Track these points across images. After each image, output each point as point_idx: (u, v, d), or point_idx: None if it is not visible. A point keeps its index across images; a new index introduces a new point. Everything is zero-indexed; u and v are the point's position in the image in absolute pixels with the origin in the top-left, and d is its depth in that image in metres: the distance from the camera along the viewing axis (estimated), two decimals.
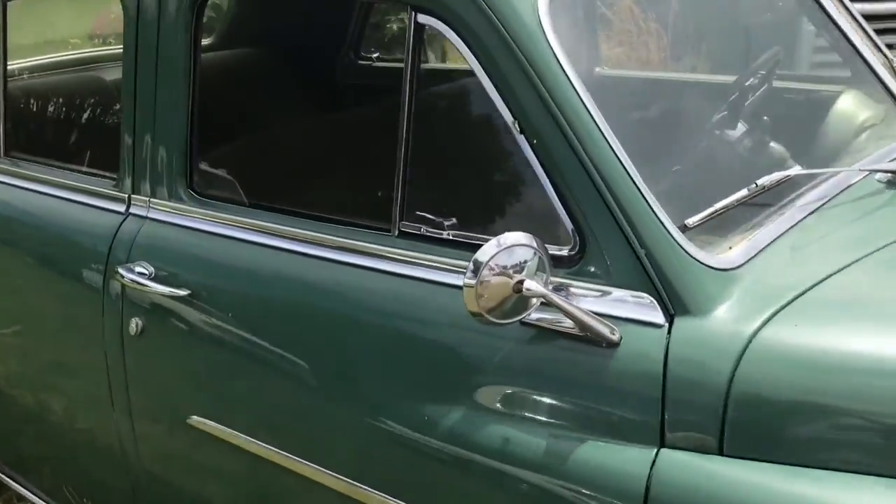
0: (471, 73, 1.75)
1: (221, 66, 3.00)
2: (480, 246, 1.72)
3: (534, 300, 1.53)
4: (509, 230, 1.73)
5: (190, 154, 2.12)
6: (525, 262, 1.51)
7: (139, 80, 2.17)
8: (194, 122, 2.11)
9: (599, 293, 1.60)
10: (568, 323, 1.57)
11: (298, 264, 1.92)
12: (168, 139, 2.14)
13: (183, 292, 2.02)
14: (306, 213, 1.96)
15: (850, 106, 2.54)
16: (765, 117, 2.28)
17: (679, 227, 1.59)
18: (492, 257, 1.48)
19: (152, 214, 2.19)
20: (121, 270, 2.11)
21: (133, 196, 2.23)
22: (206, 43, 3.07)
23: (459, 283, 1.71)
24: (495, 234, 1.73)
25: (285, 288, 1.93)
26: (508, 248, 1.48)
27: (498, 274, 1.49)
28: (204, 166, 2.15)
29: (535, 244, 1.51)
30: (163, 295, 2.06)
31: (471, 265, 1.48)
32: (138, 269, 2.11)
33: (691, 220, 1.63)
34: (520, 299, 1.52)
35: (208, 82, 2.11)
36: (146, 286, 2.08)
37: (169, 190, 2.15)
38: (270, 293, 1.95)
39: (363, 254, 1.84)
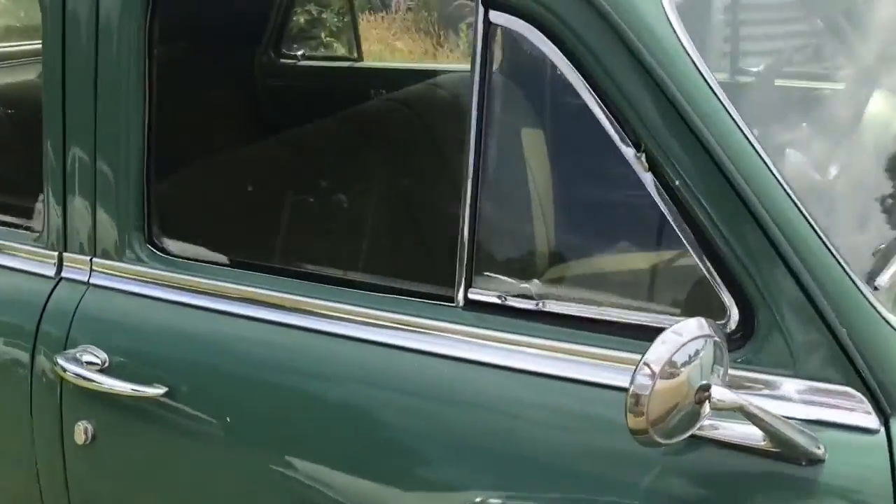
0: (559, 88, 1.32)
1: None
2: (581, 319, 1.29)
3: (707, 408, 1.11)
4: (627, 296, 1.32)
5: (147, 196, 1.59)
6: (698, 354, 1.08)
7: (69, 97, 1.61)
8: (152, 151, 1.58)
9: (766, 386, 1.20)
10: (748, 432, 1.15)
11: (322, 349, 1.42)
12: (115, 175, 1.59)
13: (157, 390, 1.48)
14: (328, 276, 1.47)
15: (884, 110, 2.24)
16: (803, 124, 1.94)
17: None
18: (669, 358, 1.04)
19: (97, 280, 1.63)
20: (61, 361, 1.55)
21: (66, 254, 1.66)
22: None
23: (558, 372, 1.28)
24: (605, 304, 1.30)
25: (305, 381, 1.42)
26: (686, 344, 1.05)
27: (667, 377, 1.06)
28: (168, 212, 1.62)
29: (711, 331, 1.09)
30: (126, 395, 1.52)
31: (639, 370, 1.04)
32: (86, 357, 1.55)
33: (881, 281, 1.24)
34: (694, 409, 1.09)
35: (172, 98, 1.58)
36: (99, 383, 1.53)
37: (120, 246, 1.60)
38: (285, 390, 1.44)
39: (415, 332, 1.37)
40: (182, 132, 1.59)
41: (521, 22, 1.28)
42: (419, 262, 1.49)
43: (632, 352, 1.24)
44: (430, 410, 1.35)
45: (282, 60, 3.25)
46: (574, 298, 1.31)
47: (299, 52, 3.49)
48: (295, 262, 1.53)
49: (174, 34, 1.65)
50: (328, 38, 5.04)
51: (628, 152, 1.24)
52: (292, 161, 1.89)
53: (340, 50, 4.99)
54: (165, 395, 1.47)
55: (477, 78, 1.32)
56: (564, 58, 1.26)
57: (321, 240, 1.62)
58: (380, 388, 1.38)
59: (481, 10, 1.30)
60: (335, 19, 5.17)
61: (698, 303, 1.24)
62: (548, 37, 1.27)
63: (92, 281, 1.63)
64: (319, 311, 1.45)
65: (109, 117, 1.58)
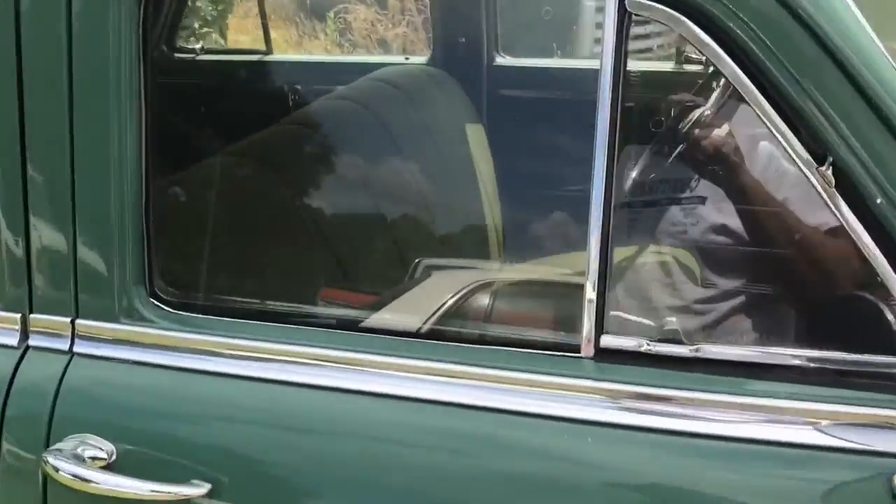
0: (714, 89, 1.10)
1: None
2: (749, 366, 1.08)
3: None
4: (805, 335, 1.12)
5: (147, 232, 1.24)
6: None
7: (30, 109, 1.23)
8: (150, 173, 1.23)
9: None
10: None
11: (409, 418, 1.13)
12: (104, 205, 1.23)
13: (197, 490, 1.15)
14: (401, 329, 1.18)
15: None
16: None
17: None
18: None
19: (84, 347, 1.26)
20: (51, 460, 1.18)
21: (33, 316, 1.28)
22: None
23: (724, 432, 1.07)
24: (779, 345, 1.10)
25: (401, 461, 1.14)
26: None
27: None
28: (176, 253, 1.27)
29: None
30: (147, 500, 1.17)
31: None
32: (88, 451, 1.19)
33: None
34: None
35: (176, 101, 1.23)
36: (107, 486, 1.17)
37: (114, 302, 1.24)
38: (372, 471, 1.14)
39: (531, 391, 1.12)
40: (191, 145, 1.26)
41: (667, 10, 1.05)
42: (530, 303, 1.24)
43: (820, 402, 1.05)
44: (571, 489, 1.10)
45: (177, 55, 2.87)
46: (739, 340, 1.11)
47: (198, 46, 3.13)
48: (358, 310, 1.23)
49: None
50: (203, 29, 4.63)
51: (807, 165, 1.04)
52: (324, 180, 1.57)
53: (219, 41, 4.59)
54: (211, 494, 1.15)
55: (608, 80, 1.07)
56: (723, 52, 1.05)
57: (388, 278, 1.31)
58: (499, 461, 1.11)
59: None
60: (209, 7, 4.76)
61: (892, 338, 1.07)
62: (702, 27, 1.05)
63: (77, 349, 1.26)
64: (398, 370, 1.16)
65: (92, 127, 1.22)
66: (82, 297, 1.26)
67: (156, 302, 1.25)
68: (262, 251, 1.41)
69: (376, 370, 1.16)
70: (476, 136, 2.36)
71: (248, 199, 1.48)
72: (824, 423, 1.05)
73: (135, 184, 1.23)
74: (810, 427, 1.04)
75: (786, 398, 1.05)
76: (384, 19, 5.77)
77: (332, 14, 5.88)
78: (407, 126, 2.19)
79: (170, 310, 1.25)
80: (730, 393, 1.07)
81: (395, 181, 1.92)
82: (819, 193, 1.04)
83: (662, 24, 1.06)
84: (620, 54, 1.07)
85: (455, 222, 1.86)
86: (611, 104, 1.08)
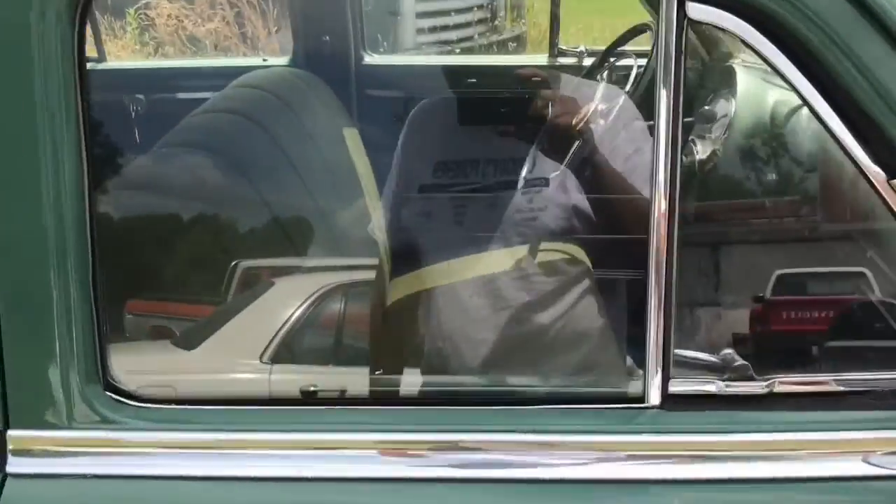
0: (779, 101, 1.00)
1: None
2: (835, 396, 0.99)
3: None
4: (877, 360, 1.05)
5: (97, 307, 0.97)
6: None
7: None
8: (95, 224, 0.96)
9: None
10: None
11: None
12: (36, 275, 0.95)
13: None
14: (422, 398, 1.00)
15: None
16: None
17: None
18: None
19: (20, 466, 0.97)
20: None
21: None
22: None
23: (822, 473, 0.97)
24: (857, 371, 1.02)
25: None
26: None
27: None
28: (135, 330, 1.01)
29: None
30: None
31: None
32: None
33: None
34: None
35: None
36: None
37: (60, 403, 0.96)
38: None
39: (599, 453, 0.98)
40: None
41: (732, 17, 0.94)
42: (584, 354, 1.08)
43: None
44: None
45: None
46: (815, 368, 1.02)
47: None
48: (380, 384, 1.03)
49: None
50: None
51: (876, 175, 0.97)
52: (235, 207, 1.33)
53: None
54: None
55: (670, 94, 0.94)
56: (789, 60, 0.95)
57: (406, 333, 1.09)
58: None
59: (673, 1, 0.93)
60: None
61: None
62: (768, 35, 0.94)
63: (10, 469, 0.98)
64: (431, 448, 0.98)
65: (15, 177, 0.94)
66: (13, 400, 0.98)
67: (115, 396, 0.99)
68: (254, 318, 1.17)
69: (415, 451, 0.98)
70: (353, 140, 2.24)
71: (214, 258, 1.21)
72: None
73: (79, 241, 0.95)
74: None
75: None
76: (192, 14, 5.37)
77: (132, 11, 5.37)
78: (290, 133, 2.02)
79: (135, 404, 0.99)
80: (809, 428, 0.98)
81: (291, 193, 1.76)
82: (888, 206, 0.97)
83: (725, 31, 0.94)
84: (681, 63, 0.95)
85: (349, 231, 1.74)
86: (672, 119, 0.95)
